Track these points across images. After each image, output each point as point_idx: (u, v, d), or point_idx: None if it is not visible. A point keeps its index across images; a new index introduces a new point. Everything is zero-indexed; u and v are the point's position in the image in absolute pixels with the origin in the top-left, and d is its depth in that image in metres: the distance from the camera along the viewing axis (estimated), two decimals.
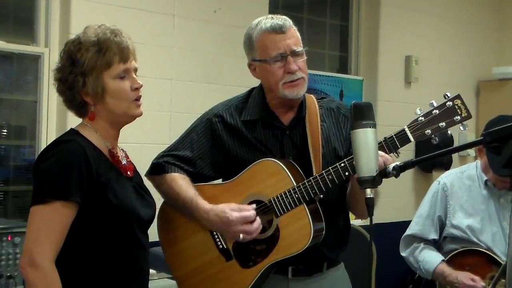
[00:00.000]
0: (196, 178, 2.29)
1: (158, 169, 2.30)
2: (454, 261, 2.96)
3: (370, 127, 1.59)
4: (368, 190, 1.58)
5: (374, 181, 1.57)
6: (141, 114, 1.99)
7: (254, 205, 2.15)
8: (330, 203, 2.23)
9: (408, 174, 5.07)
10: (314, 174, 2.15)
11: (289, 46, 2.19)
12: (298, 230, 2.11)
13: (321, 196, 2.14)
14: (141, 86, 1.97)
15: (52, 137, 3.50)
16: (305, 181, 2.12)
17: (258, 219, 2.12)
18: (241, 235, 2.11)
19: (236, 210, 2.12)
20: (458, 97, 1.99)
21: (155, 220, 2.32)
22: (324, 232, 2.15)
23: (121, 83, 1.93)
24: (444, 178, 3.12)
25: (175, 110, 4.06)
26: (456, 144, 5.49)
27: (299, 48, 2.21)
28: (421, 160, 1.61)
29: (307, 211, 2.10)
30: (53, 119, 3.68)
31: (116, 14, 3.77)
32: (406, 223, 3.25)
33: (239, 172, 2.22)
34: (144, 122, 3.71)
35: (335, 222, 2.28)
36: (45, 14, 3.69)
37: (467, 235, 2.96)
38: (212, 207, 2.16)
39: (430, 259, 3.00)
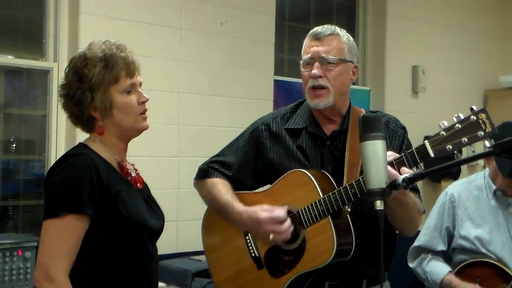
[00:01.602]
0: (238, 184, 2.33)
1: (202, 173, 2.36)
2: (464, 272, 2.93)
3: (379, 139, 1.58)
4: (378, 202, 1.57)
5: (384, 193, 1.56)
6: (147, 128, 2.01)
7: (286, 207, 2.15)
8: (370, 217, 2.14)
9: (417, 184, 5.05)
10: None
11: (318, 52, 2.20)
12: (322, 243, 2.09)
13: (349, 209, 2.10)
14: (147, 100, 1.99)
15: (61, 151, 3.53)
16: (330, 193, 2.10)
17: (288, 220, 2.12)
18: (271, 236, 2.11)
19: (267, 211, 2.13)
20: (483, 111, 1.87)
21: (200, 225, 2.40)
22: (353, 247, 2.09)
23: (128, 97, 1.94)
24: (452, 189, 3.09)
25: (182, 123, 4.08)
26: (464, 154, 5.47)
27: (330, 57, 2.20)
28: (431, 172, 1.60)
29: (332, 224, 2.08)
30: (62, 133, 3.70)
31: (124, 28, 3.80)
32: (415, 233, 3.23)
33: (275, 181, 2.25)
34: (152, 135, 3.75)
35: (376, 237, 2.20)
36: (54, 29, 3.73)
37: (475, 246, 2.93)
38: (246, 208, 2.18)
39: (437, 270, 2.98)
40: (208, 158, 2.41)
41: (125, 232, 1.90)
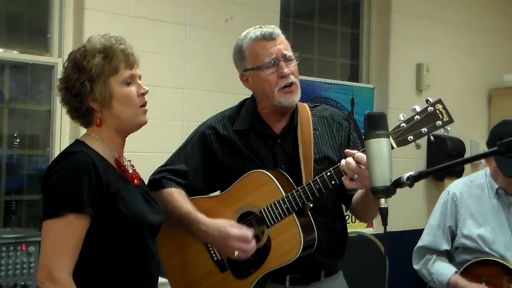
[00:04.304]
0: (191, 191, 2.30)
1: (155, 184, 2.30)
2: (470, 271, 2.93)
3: (384, 137, 1.59)
4: (382, 200, 1.57)
5: (388, 191, 1.56)
6: (146, 122, 1.99)
7: (252, 229, 2.15)
8: (326, 211, 2.24)
9: (420, 182, 5.03)
10: (303, 183, 2.16)
11: (280, 51, 2.21)
12: (288, 240, 2.11)
13: (311, 205, 2.14)
14: (147, 92, 1.98)
15: (65, 146, 3.49)
16: (293, 191, 2.12)
17: (254, 242, 2.12)
18: (236, 252, 2.12)
19: (236, 227, 2.13)
20: (439, 101, 1.98)
21: None
22: (316, 241, 2.14)
23: (128, 88, 1.94)
24: (453, 187, 3.10)
25: (187, 119, 4.08)
26: (468, 152, 5.46)
27: (290, 53, 2.23)
28: (435, 170, 1.61)
29: (297, 220, 2.11)
30: (66, 128, 3.70)
31: (129, 24, 3.80)
32: (418, 232, 3.23)
33: (232, 184, 2.23)
34: (156, 131, 3.75)
35: (332, 229, 2.27)
36: (58, 24, 3.73)
37: (478, 245, 2.93)
38: (212, 221, 2.16)
39: (443, 271, 2.98)
40: (156, 168, 2.36)
41: (125, 229, 1.89)
